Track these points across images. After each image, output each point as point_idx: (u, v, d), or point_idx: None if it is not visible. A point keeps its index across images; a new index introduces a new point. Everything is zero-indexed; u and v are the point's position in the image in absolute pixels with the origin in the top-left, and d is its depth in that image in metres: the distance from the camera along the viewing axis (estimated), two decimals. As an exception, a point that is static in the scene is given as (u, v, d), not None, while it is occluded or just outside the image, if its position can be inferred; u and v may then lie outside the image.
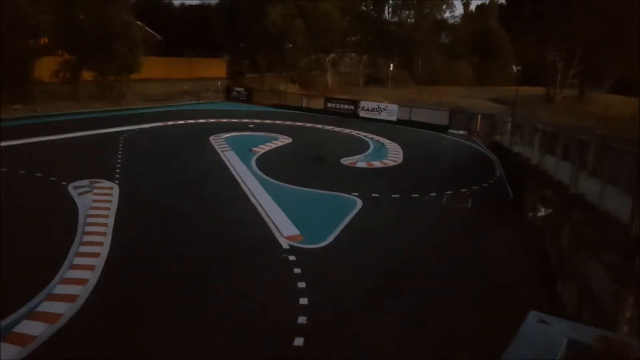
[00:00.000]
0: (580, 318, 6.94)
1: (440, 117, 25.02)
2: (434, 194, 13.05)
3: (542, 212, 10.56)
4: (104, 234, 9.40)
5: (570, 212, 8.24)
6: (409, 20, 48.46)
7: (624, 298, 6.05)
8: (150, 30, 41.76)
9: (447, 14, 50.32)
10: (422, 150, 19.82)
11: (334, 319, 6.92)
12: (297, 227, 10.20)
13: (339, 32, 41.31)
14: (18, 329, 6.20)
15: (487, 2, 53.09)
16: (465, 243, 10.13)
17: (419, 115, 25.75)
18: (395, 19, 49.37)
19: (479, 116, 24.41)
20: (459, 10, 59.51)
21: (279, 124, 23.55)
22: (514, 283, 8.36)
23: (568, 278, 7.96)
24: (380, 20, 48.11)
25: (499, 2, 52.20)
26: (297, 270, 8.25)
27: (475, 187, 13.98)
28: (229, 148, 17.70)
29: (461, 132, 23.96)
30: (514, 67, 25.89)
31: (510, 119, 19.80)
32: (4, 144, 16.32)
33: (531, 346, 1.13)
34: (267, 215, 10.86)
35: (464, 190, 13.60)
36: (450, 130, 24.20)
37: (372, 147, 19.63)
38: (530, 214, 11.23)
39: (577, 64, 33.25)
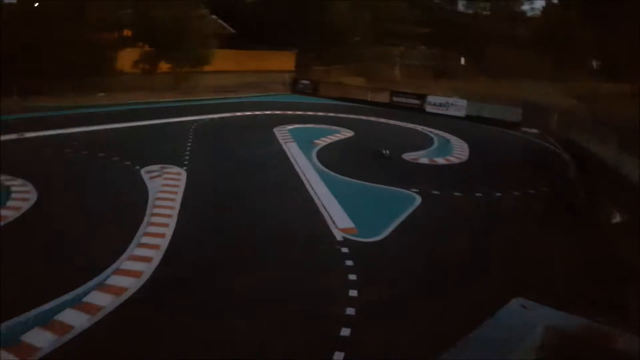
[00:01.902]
0: None
1: (511, 114, 23.91)
2: (499, 194, 12.56)
3: (616, 218, 9.85)
4: (170, 216, 9.92)
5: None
6: (484, 12, 46.71)
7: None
8: (223, 24, 43.03)
9: (526, 7, 47.95)
10: (490, 147, 19.10)
11: (379, 312, 6.89)
12: (352, 220, 10.20)
13: (408, 25, 40.58)
14: (88, 299, 6.70)
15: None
16: (525, 247, 9.67)
17: (489, 111, 24.78)
18: (470, 10, 47.81)
19: (554, 113, 23.08)
20: (539, 2, 56.30)
21: (342, 117, 23.56)
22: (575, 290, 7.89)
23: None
24: (452, 12, 46.73)
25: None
26: (349, 263, 8.28)
27: (544, 189, 13.28)
28: (292, 139, 17.97)
29: (534, 130, 22.80)
30: (593, 62, 24.25)
31: (587, 117, 18.60)
32: (86, 129, 17.67)
33: (502, 328, 1.08)
34: (323, 206, 10.96)
35: (532, 191, 12.97)
36: (522, 128, 23.11)
37: (436, 143, 19.18)
38: (603, 219, 10.51)
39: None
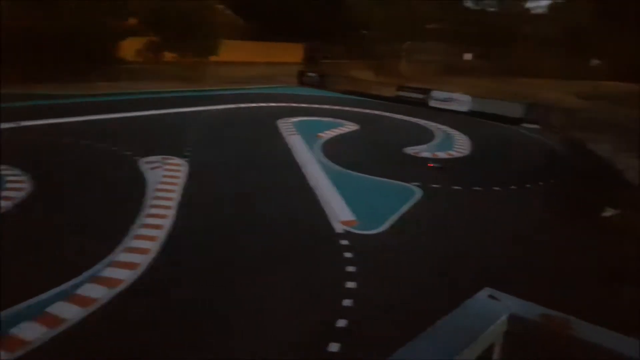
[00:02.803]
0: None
1: (514, 110, 23.93)
2: (497, 188, 12.69)
3: (608, 213, 9.98)
4: (169, 207, 10.01)
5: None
6: (490, 9, 46.50)
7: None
8: (233, 15, 43.01)
9: (532, 4, 47.70)
10: (491, 143, 19.15)
11: (378, 304, 7.03)
12: (353, 212, 10.35)
13: (418, 20, 40.47)
14: (81, 291, 6.71)
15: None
16: (521, 241, 9.81)
17: (492, 107, 24.78)
18: (478, 7, 47.62)
19: (556, 111, 23.10)
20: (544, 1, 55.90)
21: (347, 110, 23.64)
22: (572, 284, 8.02)
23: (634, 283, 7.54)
24: (462, 8, 46.54)
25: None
26: (348, 255, 8.44)
27: (541, 183, 13.40)
28: (296, 132, 18.08)
29: (536, 126, 22.83)
30: (592, 60, 24.17)
31: (588, 115, 18.64)
32: (86, 118, 17.74)
33: (469, 317, 1.22)
34: (325, 198, 11.09)
35: (529, 185, 13.10)
36: (524, 124, 23.15)
37: (439, 137, 19.27)
38: (600, 214, 10.64)
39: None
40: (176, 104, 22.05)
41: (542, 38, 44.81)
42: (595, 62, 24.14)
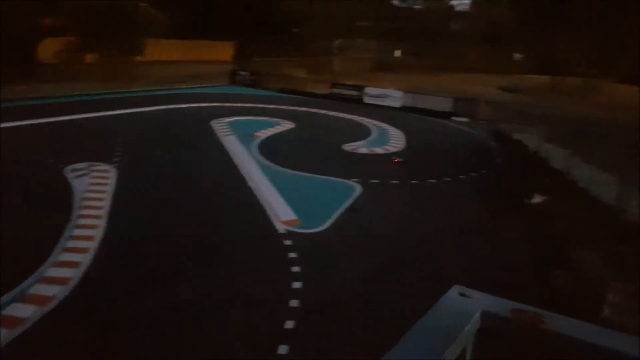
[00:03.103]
0: (572, 305, 6.95)
1: (444, 104, 24.83)
2: (432, 180, 13.07)
3: (537, 199, 10.57)
4: (98, 217, 9.44)
5: (564, 198, 8.25)
6: (416, 6, 48.08)
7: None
8: (160, 13, 41.57)
9: (455, 1, 49.87)
10: (424, 137, 19.74)
11: (325, 304, 6.99)
12: (294, 211, 10.26)
13: (349, 18, 41.06)
14: (7, 311, 6.21)
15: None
16: (458, 228, 10.17)
17: (423, 102, 25.57)
18: (404, 5, 49.08)
19: (483, 103, 24.22)
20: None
21: (283, 109, 23.52)
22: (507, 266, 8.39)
23: (561, 265, 8.00)
24: (391, 6, 47.74)
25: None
26: (293, 255, 8.35)
27: (474, 174, 13.98)
28: (231, 132, 17.72)
29: (465, 119, 23.82)
30: (516, 55, 25.62)
31: (514, 107, 19.69)
32: (5, 125, 16.36)
33: (444, 317, 1.17)
34: (265, 199, 10.92)
35: (462, 176, 13.61)
36: (454, 118, 24.07)
37: (375, 133, 19.59)
38: (528, 201, 11.25)
39: (586, 53, 32.83)
40: (103, 107, 20.94)
41: (465, 34, 46.96)
42: (517, 56, 25.50)
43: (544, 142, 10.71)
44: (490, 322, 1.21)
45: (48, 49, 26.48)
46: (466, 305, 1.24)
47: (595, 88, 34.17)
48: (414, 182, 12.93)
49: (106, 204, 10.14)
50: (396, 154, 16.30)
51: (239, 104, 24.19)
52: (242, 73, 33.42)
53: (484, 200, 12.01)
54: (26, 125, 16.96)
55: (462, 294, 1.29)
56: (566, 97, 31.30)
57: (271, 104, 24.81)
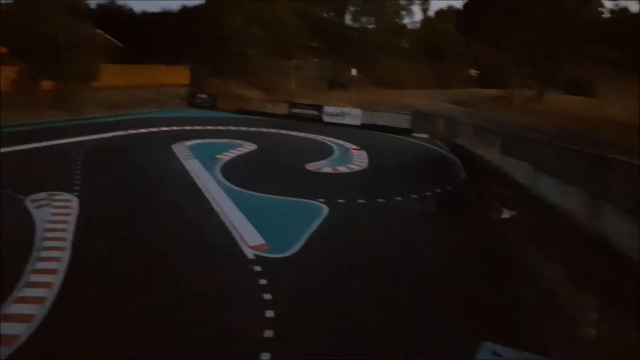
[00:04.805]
0: (537, 318, 7.06)
1: (403, 121, 25.37)
2: (399, 198, 13.18)
3: (505, 214, 10.79)
4: (62, 248, 9.06)
5: (528, 211, 8.47)
6: (369, 26, 49.17)
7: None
8: (110, 38, 40.78)
9: (406, 20, 51.34)
10: (386, 154, 20.02)
11: (298, 331, 6.85)
12: (262, 236, 10.08)
13: (300, 38, 41.49)
14: None
15: (446, 8, 54.42)
16: (429, 245, 10.26)
17: (382, 119, 26.04)
18: (357, 24, 50.10)
19: (441, 119, 24.86)
20: (418, 16, 60.34)
21: (244, 130, 23.38)
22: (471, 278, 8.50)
23: (525, 277, 8.15)
24: (341, 26, 48.61)
25: (455, 8, 53.66)
26: (263, 282, 8.15)
27: (439, 190, 14.21)
28: (193, 156, 17.42)
29: (424, 135, 24.33)
30: (471, 70, 26.54)
31: (471, 122, 20.26)
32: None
33: None
34: (232, 223, 10.71)
35: (428, 193, 13.80)
36: (413, 134, 24.54)
37: (337, 152, 19.68)
38: (494, 215, 11.48)
39: (531, 65, 34.38)
40: (59, 135, 20.21)
41: (416, 51, 48.33)
42: (473, 72, 26.38)
43: (505, 155, 11.02)
44: None
45: (3, 78, 25.46)
46: None
47: (546, 99, 35.79)
48: (380, 200, 13.00)
49: (69, 235, 9.71)
50: (360, 172, 16.41)
51: (198, 127, 23.84)
52: (201, 96, 33.09)
53: (451, 217, 12.15)
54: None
55: (495, 353, 1.25)
56: (519, 108, 32.53)
57: (231, 125, 24.60)
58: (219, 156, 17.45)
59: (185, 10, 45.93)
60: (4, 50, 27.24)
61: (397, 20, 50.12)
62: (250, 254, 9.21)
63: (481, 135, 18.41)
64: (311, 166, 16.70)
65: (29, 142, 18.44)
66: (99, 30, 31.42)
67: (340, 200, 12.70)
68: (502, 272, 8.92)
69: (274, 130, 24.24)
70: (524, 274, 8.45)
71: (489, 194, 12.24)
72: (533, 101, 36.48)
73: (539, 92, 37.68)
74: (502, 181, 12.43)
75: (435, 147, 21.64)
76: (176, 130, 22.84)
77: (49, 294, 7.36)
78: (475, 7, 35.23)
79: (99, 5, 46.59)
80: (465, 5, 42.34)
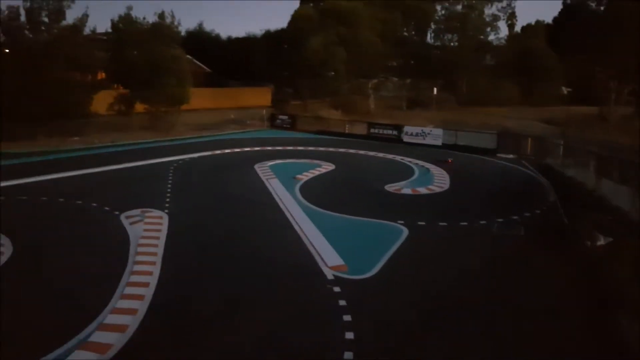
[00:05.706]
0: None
1: (487, 140, 24.37)
2: (483, 222, 12.60)
3: (601, 241, 9.94)
4: (153, 263, 9.60)
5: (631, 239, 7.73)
6: (451, 43, 48.28)
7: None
8: (198, 63, 43.43)
9: (491, 36, 49.72)
10: (469, 175, 19.30)
11: (377, 353, 6.72)
12: (341, 257, 10.05)
13: (380, 58, 41.58)
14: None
15: (533, 22, 52.13)
16: (515, 275, 9.68)
17: (465, 139, 25.22)
18: (438, 42, 49.42)
19: (529, 139, 23.62)
20: (503, 31, 58.22)
21: (322, 151, 23.65)
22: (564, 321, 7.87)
23: (630, 312, 7.42)
24: (422, 44, 48.16)
25: (545, 22, 51.34)
26: (342, 303, 8.09)
27: (527, 214, 13.40)
28: (274, 175, 17.87)
29: (510, 155, 23.23)
30: (563, 88, 25.06)
31: (562, 141, 19.04)
32: (62, 175, 17.27)
33: None
34: (311, 243, 10.79)
35: (515, 217, 13.07)
36: (498, 154, 23.52)
37: (417, 172, 19.32)
38: (588, 242, 10.61)
39: (632, 81, 31.90)
40: (150, 155, 21.65)
41: (501, 68, 46.53)
42: (565, 89, 24.99)
43: (601, 177, 10.19)
44: None
45: (102, 102, 28.06)
46: None
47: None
48: (463, 224, 12.50)
49: (159, 250, 10.33)
50: (441, 194, 15.96)
51: (279, 147, 24.48)
52: (281, 117, 34.03)
53: (541, 243, 11.37)
54: (83, 174, 17.77)
55: None
56: (615, 127, 30.22)
57: (310, 146, 25.00)
58: (298, 176, 17.76)
59: (268, 34, 48.13)
60: (102, 76, 29.95)
61: (481, 37, 48.74)
62: (329, 274, 9.22)
63: (573, 156, 17.24)
64: (390, 187, 16.49)
65: (124, 162, 19.95)
66: (188, 56, 33.52)
67: (420, 223, 12.38)
68: (600, 308, 8.19)
69: (352, 151, 24.31)
70: (627, 310, 7.68)
71: (582, 218, 11.32)
72: (632, 119, 33.72)
73: (638, 109, 34.81)
74: (596, 205, 11.49)
75: (523, 168, 20.54)
76: (258, 151, 23.60)
77: (141, 306, 7.81)
78: (570, 21, 33.41)
79: (188, 32, 50.00)
80: (556, 20, 40.40)
